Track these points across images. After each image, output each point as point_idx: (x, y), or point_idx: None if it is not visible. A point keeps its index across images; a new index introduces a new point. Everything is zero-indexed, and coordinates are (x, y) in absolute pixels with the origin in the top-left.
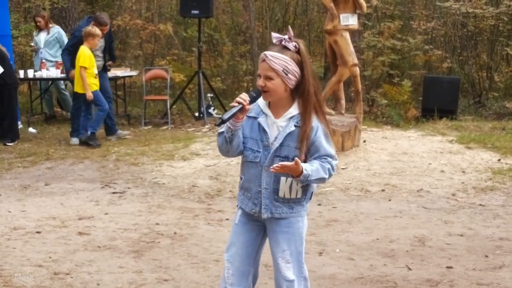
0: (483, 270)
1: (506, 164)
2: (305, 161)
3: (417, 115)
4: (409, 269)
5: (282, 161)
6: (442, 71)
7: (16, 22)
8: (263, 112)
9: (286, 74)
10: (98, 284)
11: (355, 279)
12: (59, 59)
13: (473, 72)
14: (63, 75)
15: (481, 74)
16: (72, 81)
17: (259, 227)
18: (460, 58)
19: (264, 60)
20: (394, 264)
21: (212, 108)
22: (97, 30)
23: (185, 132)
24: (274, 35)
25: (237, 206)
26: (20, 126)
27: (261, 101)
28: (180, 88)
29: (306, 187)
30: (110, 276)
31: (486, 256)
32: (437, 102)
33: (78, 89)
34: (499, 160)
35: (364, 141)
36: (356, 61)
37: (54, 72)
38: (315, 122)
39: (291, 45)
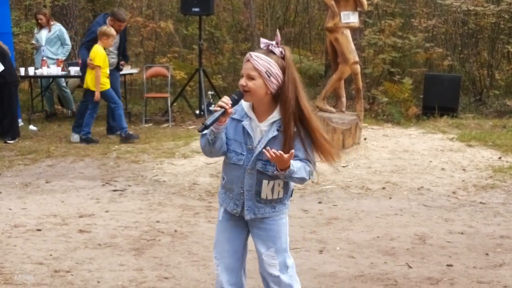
0: (483, 268)
1: (507, 162)
2: None
3: (418, 113)
4: (410, 267)
5: (265, 164)
6: (443, 69)
7: (17, 20)
8: (248, 115)
9: (269, 77)
10: (99, 282)
11: (356, 277)
12: (60, 57)
13: (474, 70)
14: (64, 73)
15: (482, 72)
16: (83, 72)
17: (242, 223)
18: (461, 56)
19: (248, 60)
20: (394, 262)
21: (213, 105)
22: (112, 30)
23: (185, 129)
24: (263, 40)
25: (219, 203)
26: (20, 123)
27: (245, 104)
28: (181, 85)
29: (286, 186)
30: (111, 273)
31: (487, 254)
32: (438, 100)
33: (89, 85)
34: (500, 158)
35: (365, 139)
36: (357, 59)
37: (55, 70)
38: (297, 127)
39: (277, 50)
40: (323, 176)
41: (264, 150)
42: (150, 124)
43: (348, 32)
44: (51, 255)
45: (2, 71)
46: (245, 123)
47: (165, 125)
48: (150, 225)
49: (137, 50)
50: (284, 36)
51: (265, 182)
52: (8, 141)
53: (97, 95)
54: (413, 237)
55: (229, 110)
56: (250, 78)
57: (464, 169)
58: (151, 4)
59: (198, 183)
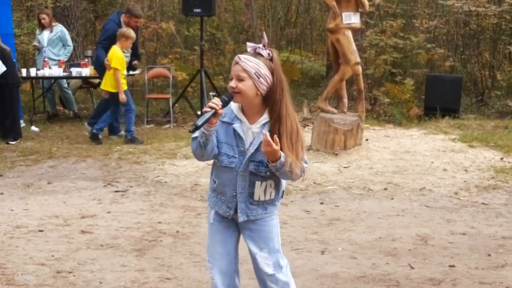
0: (485, 269)
1: (509, 162)
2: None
3: (420, 113)
4: (412, 268)
5: (257, 165)
6: (444, 70)
7: (18, 21)
8: (238, 118)
9: (258, 78)
10: (101, 283)
11: (358, 277)
12: (62, 58)
13: (475, 71)
14: (65, 74)
15: (483, 72)
16: (100, 72)
17: (234, 224)
18: (463, 57)
19: (237, 63)
20: (396, 263)
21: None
22: (132, 33)
23: (187, 130)
24: (249, 44)
25: (209, 206)
26: (22, 124)
27: (234, 107)
28: (182, 86)
29: (278, 187)
30: (113, 274)
31: (489, 255)
32: (440, 101)
33: (107, 87)
34: (502, 158)
35: (367, 140)
36: (358, 59)
37: (57, 71)
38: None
39: (264, 52)
40: (325, 177)
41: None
42: (152, 125)
43: (349, 33)
44: (53, 256)
45: (4, 72)
46: (236, 125)
47: (167, 126)
48: (152, 226)
49: (139, 51)
50: (285, 37)
51: (258, 183)
52: (10, 142)
53: (122, 97)
54: (415, 238)
55: (220, 111)
56: (240, 79)
57: (466, 170)
58: (152, 5)
59: (200, 184)
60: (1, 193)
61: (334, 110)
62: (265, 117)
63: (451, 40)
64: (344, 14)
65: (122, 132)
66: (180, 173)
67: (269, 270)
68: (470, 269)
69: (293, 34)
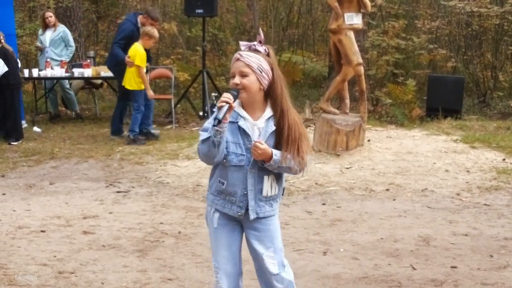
0: (487, 270)
1: (511, 163)
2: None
3: (422, 114)
4: (414, 268)
5: (263, 160)
6: (446, 71)
7: (20, 21)
8: (241, 116)
9: (261, 72)
10: (103, 283)
11: (360, 278)
12: (64, 58)
13: (477, 72)
14: (67, 74)
15: (485, 73)
16: (119, 72)
17: (238, 226)
18: (465, 58)
19: (238, 59)
20: (398, 264)
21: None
22: (155, 32)
23: (189, 131)
24: (242, 43)
25: (211, 210)
26: (24, 125)
27: (235, 105)
28: (184, 87)
29: (279, 182)
30: (115, 275)
31: (491, 256)
32: (442, 102)
33: (128, 85)
34: (504, 159)
35: (369, 141)
36: (360, 60)
37: (59, 71)
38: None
39: (261, 49)
40: (327, 177)
41: (254, 142)
42: (154, 126)
43: (351, 34)
44: (55, 256)
45: (5, 72)
46: (241, 123)
47: (169, 126)
48: (154, 226)
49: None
50: (287, 38)
51: (265, 177)
52: (12, 143)
53: (150, 93)
54: (417, 239)
55: (233, 105)
56: (243, 75)
57: (468, 171)
58: (154, 6)
59: (202, 184)
60: (3, 194)
61: (336, 111)
62: (268, 112)
63: (453, 41)
64: (346, 15)
65: (125, 133)
66: (182, 173)
67: (274, 269)
68: (472, 270)
69: (295, 35)
